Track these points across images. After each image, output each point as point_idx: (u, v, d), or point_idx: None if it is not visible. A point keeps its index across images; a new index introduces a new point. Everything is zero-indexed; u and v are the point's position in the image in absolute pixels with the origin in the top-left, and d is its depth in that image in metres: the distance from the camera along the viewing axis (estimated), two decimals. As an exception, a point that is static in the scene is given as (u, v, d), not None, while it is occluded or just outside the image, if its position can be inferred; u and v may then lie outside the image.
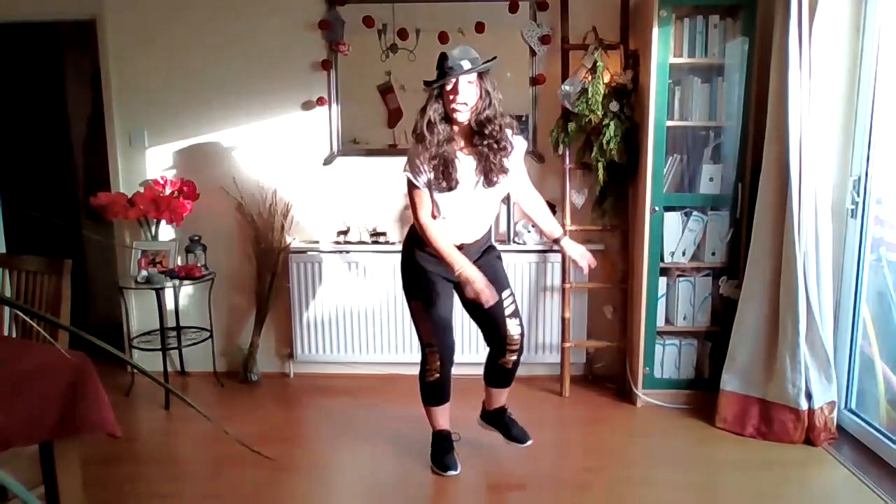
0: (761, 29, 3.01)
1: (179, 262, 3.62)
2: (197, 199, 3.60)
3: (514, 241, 3.57)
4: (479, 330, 2.73)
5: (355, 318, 3.62)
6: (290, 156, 3.67)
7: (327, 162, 3.67)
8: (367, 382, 3.65)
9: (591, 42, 3.32)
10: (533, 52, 3.50)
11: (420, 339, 2.64)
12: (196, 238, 3.62)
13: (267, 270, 3.65)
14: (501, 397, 2.81)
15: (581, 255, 2.65)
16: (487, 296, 2.36)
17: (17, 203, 4.05)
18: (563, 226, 3.42)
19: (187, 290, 3.69)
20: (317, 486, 2.71)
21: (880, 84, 2.79)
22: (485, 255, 2.62)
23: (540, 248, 3.54)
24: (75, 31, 3.99)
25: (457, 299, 2.62)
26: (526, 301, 3.57)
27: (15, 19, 3.65)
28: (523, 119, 3.57)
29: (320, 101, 3.58)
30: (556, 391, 3.50)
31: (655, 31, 3.02)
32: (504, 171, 2.45)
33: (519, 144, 2.53)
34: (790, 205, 2.76)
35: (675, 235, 3.23)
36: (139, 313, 3.78)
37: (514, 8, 3.42)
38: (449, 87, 2.34)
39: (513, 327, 2.60)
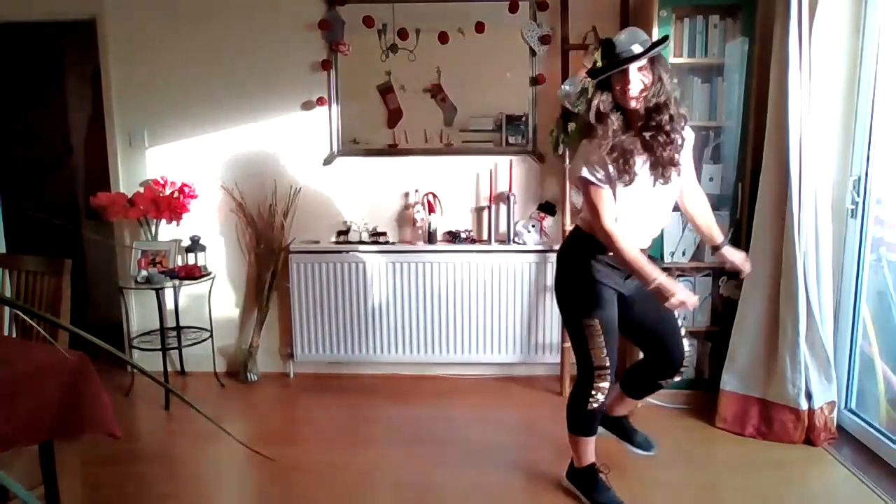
0: (761, 29, 3.01)
1: (179, 262, 3.62)
2: (197, 199, 3.60)
3: (514, 241, 3.57)
4: (640, 349, 2.55)
5: (355, 318, 3.62)
6: (290, 156, 3.67)
7: (327, 162, 3.67)
8: (367, 382, 3.65)
9: (591, 42, 3.32)
10: (533, 52, 3.50)
11: (588, 361, 2.32)
12: (196, 238, 3.62)
13: (267, 270, 3.65)
14: (631, 406, 2.69)
15: (743, 261, 2.40)
16: (694, 301, 2.12)
17: (17, 203, 4.05)
18: (564, 226, 3.43)
19: (187, 290, 3.69)
20: (317, 486, 2.71)
21: (880, 84, 2.79)
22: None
23: (540, 248, 3.54)
24: (75, 31, 3.99)
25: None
26: (526, 301, 3.57)
27: (15, 19, 3.65)
28: (523, 119, 3.58)
29: (320, 101, 3.58)
30: (556, 391, 3.50)
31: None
32: (675, 164, 2.18)
33: (689, 136, 2.26)
34: (790, 205, 2.76)
35: (675, 235, 3.23)
36: (139, 313, 3.78)
37: (514, 8, 3.42)
38: (619, 76, 2.10)
39: (686, 347, 2.44)
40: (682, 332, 2.43)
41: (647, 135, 2.14)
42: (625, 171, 2.13)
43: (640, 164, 2.17)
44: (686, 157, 2.28)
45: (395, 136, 3.62)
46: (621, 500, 2.43)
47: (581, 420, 2.40)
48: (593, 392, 2.32)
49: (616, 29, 3.35)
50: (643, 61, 2.09)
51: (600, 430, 2.52)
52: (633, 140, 2.15)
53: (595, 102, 2.16)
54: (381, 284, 3.59)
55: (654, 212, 2.29)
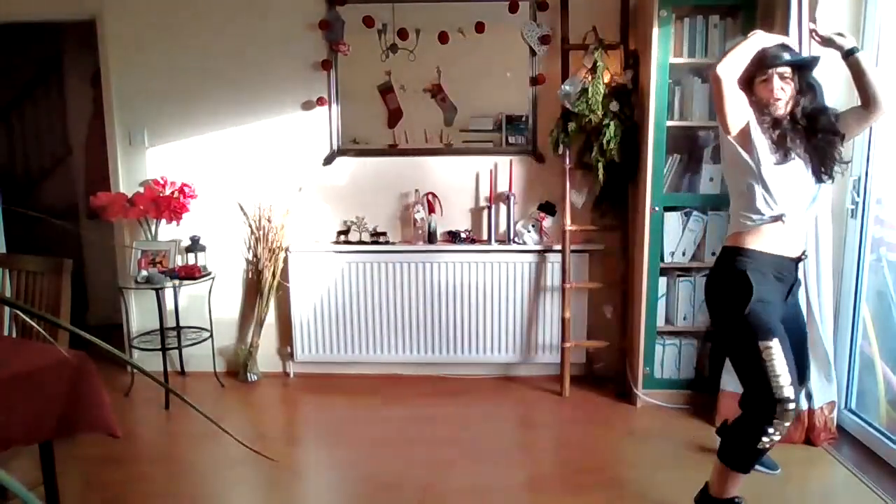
0: (761, 29, 3.00)
1: (179, 262, 3.62)
2: (197, 199, 3.60)
3: (514, 241, 3.57)
4: None
5: (355, 318, 3.62)
6: (291, 156, 3.67)
7: (327, 162, 3.67)
8: (367, 382, 3.65)
9: (591, 42, 3.32)
10: (533, 52, 3.50)
11: (768, 392, 2.05)
12: (196, 238, 3.62)
13: (267, 270, 3.65)
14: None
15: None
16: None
17: (17, 203, 4.05)
18: (563, 226, 3.43)
19: (187, 290, 3.69)
20: (317, 486, 2.71)
21: (880, 84, 2.78)
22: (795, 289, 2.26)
23: (540, 248, 3.54)
24: (75, 31, 3.99)
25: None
26: (525, 301, 3.57)
27: (15, 19, 3.65)
28: (523, 119, 3.58)
29: (320, 101, 3.58)
30: (556, 391, 3.50)
31: (655, 31, 3.02)
32: (843, 163, 2.22)
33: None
34: (790, 205, 2.76)
35: (675, 235, 3.23)
36: (139, 313, 3.78)
37: (514, 8, 3.42)
38: (763, 79, 2.15)
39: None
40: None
41: (812, 139, 2.18)
42: (779, 146, 2.14)
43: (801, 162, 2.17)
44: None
45: (395, 136, 3.62)
46: None
47: (746, 456, 2.16)
48: (771, 430, 2.06)
49: (616, 29, 3.37)
50: (787, 70, 2.15)
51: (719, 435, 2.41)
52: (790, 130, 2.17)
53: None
54: (381, 284, 3.59)
55: (808, 213, 2.26)
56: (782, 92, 2.16)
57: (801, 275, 2.37)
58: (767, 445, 2.10)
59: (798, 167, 2.16)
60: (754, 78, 2.19)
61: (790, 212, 2.15)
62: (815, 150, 2.18)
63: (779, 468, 2.63)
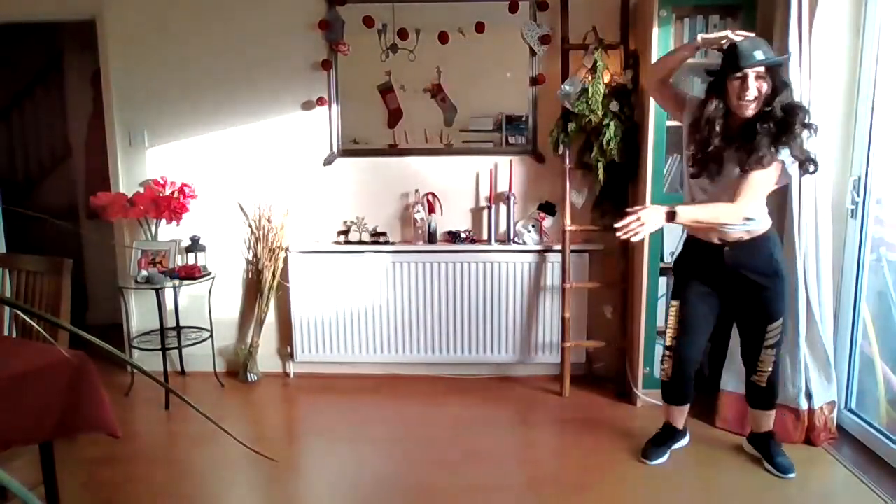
0: (761, 29, 3.00)
1: (179, 262, 3.62)
2: (197, 199, 3.60)
3: (514, 241, 3.57)
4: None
5: (355, 318, 3.62)
6: (291, 156, 3.67)
7: (327, 162, 3.67)
8: (367, 382, 3.65)
9: (591, 42, 3.32)
10: (533, 52, 3.50)
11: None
12: (196, 238, 3.62)
13: (267, 270, 3.65)
14: (759, 420, 2.71)
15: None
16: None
17: (17, 203, 4.05)
18: (563, 226, 3.43)
19: (187, 290, 3.69)
20: (317, 486, 2.71)
21: (880, 84, 2.79)
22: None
23: (540, 248, 3.54)
24: (75, 31, 4.00)
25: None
26: (525, 301, 3.57)
27: (15, 19, 3.65)
28: (523, 119, 3.58)
29: (320, 101, 3.58)
30: (556, 391, 3.50)
31: (655, 31, 3.02)
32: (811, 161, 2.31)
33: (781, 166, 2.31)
34: (790, 205, 2.76)
35: (676, 235, 3.22)
36: (139, 313, 3.78)
37: (514, 8, 3.42)
38: (738, 81, 2.22)
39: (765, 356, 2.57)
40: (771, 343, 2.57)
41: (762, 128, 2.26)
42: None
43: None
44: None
45: (395, 136, 3.62)
46: (658, 455, 2.76)
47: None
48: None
49: (616, 29, 3.36)
50: (761, 69, 2.21)
51: (747, 445, 2.82)
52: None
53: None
54: (381, 284, 3.59)
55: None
56: (756, 91, 2.22)
57: (764, 277, 2.47)
58: (661, 376, 2.74)
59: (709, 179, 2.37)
60: (725, 77, 2.25)
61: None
62: (758, 147, 2.25)
63: (791, 474, 2.63)
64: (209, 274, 3.61)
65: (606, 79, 3.24)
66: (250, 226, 3.70)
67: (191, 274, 3.50)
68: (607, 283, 3.52)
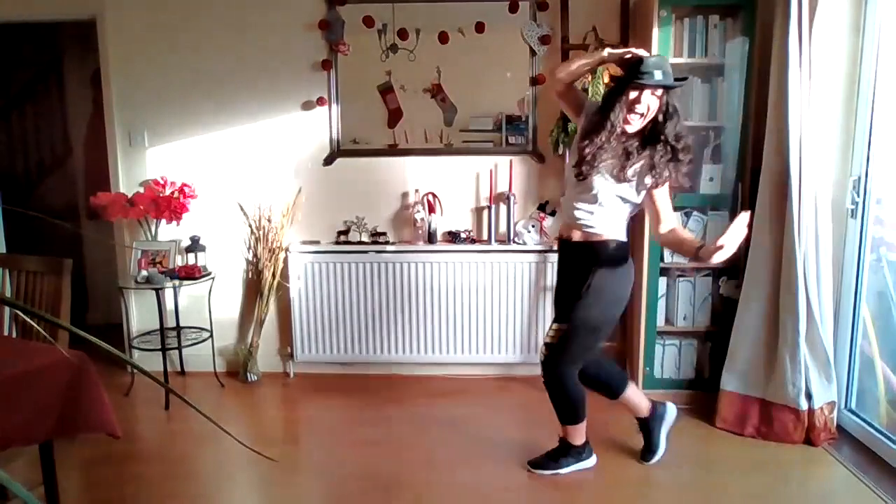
0: (761, 29, 3.01)
1: (179, 262, 3.62)
2: (197, 199, 3.60)
3: (514, 241, 3.57)
4: None
5: (355, 318, 3.62)
6: (291, 156, 3.67)
7: (327, 162, 3.67)
8: (367, 382, 3.65)
9: (591, 42, 3.32)
10: (533, 52, 3.50)
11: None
12: (196, 238, 3.62)
13: (267, 270, 3.65)
14: (629, 406, 2.75)
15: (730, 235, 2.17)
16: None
17: (17, 203, 4.05)
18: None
19: (187, 290, 3.69)
20: (317, 486, 2.71)
21: (880, 84, 2.79)
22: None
23: (540, 248, 3.54)
24: (75, 31, 3.99)
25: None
26: (526, 301, 3.57)
27: (15, 19, 3.65)
28: (523, 119, 3.58)
29: (320, 101, 3.58)
30: (556, 391, 3.49)
31: (655, 31, 3.02)
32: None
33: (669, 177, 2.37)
34: (790, 205, 2.76)
35: (675, 235, 3.23)
36: (139, 313, 3.78)
37: (514, 8, 3.42)
38: (633, 96, 2.28)
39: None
40: (548, 339, 2.56)
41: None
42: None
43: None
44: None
45: (395, 136, 3.62)
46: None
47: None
48: None
49: (616, 29, 3.36)
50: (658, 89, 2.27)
51: None
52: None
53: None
54: (381, 284, 3.58)
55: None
56: (646, 108, 2.28)
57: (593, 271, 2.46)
58: None
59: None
60: (624, 87, 2.29)
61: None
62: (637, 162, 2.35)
63: (648, 460, 2.73)
64: (209, 274, 3.61)
65: (606, 79, 3.23)
66: (250, 226, 3.70)
67: (191, 274, 3.50)
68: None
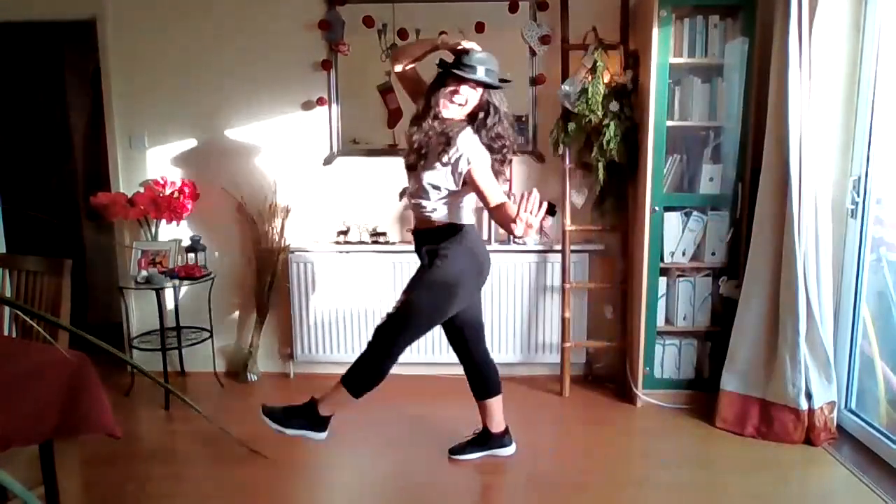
0: (761, 29, 3.01)
1: (179, 262, 3.62)
2: (197, 199, 3.60)
3: (515, 242, 3.57)
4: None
5: (355, 318, 3.62)
6: (290, 156, 3.67)
7: (327, 162, 3.67)
8: (367, 382, 3.64)
9: (591, 42, 3.32)
10: (533, 52, 3.50)
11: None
12: (196, 238, 3.62)
13: (267, 270, 3.65)
14: (488, 413, 2.78)
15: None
16: None
17: (17, 203, 4.05)
18: (564, 226, 3.43)
19: (187, 290, 3.69)
20: (317, 486, 2.71)
21: (880, 84, 2.79)
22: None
23: (540, 248, 3.54)
24: (75, 31, 3.99)
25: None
26: (526, 301, 3.57)
27: (15, 19, 3.65)
28: (523, 119, 3.57)
29: (320, 101, 3.58)
30: (556, 391, 3.50)
31: (655, 31, 3.02)
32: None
33: (461, 161, 2.37)
34: (790, 205, 2.76)
35: (675, 235, 3.23)
36: (139, 313, 3.78)
37: (514, 8, 3.42)
38: (452, 87, 2.38)
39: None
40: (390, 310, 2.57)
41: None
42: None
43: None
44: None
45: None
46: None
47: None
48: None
49: (616, 29, 3.36)
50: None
51: None
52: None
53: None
54: (381, 284, 3.58)
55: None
56: (465, 100, 2.38)
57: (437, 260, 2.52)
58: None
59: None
60: (449, 73, 2.38)
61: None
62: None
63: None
64: (209, 274, 3.61)
65: (606, 79, 3.24)
66: (250, 225, 3.70)
67: (191, 274, 3.50)
68: (607, 283, 3.52)
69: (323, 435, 2.63)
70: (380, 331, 2.55)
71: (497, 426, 2.76)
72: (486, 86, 2.39)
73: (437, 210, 2.48)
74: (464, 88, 2.37)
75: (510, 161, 2.54)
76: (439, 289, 2.50)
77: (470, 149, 2.37)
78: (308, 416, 2.61)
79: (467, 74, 2.34)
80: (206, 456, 2.89)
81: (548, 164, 3.59)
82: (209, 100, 3.63)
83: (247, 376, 3.69)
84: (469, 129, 2.41)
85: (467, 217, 2.54)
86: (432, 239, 2.51)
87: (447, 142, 2.38)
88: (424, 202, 2.49)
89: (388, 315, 2.54)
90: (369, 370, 2.59)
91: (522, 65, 3.52)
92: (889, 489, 2.49)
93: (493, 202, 2.32)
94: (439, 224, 2.50)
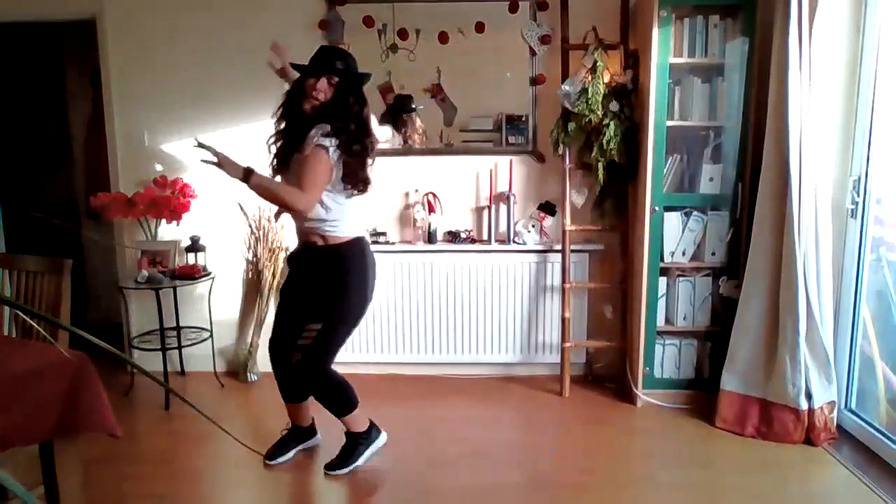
0: (761, 29, 3.01)
1: (179, 263, 3.62)
2: (197, 199, 3.60)
3: (514, 241, 3.57)
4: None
5: (355, 318, 3.62)
6: (290, 156, 3.66)
7: (327, 162, 3.66)
8: (367, 382, 3.64)
9: (591, 42, 3.32)
10: (533, 52, 3.50)
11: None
12: (196, 238, 3.62)
13: (267, 270, 3.65)
14: (349, 422, 2.75)
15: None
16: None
17: (17, 203, 4.05)
18: (563, 226, 3.43)
19: (187, 290, 3.68)
20: (316, 487, 2.71)
21: (880, 84, 2.79)
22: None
23: (540, 248, 3.54)
24: (75, 31, 3.99)
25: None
26: (526, 301, 3.58)
27: (15, 19, 3.65)
28: (523, 119, 3.58)
29: (320, 101, 3.58)
30: (556, 391, 3.50)
31: (655, 31, 3.02)
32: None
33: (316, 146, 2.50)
34: (790, 205, 2.76)
35: (675, 235, 3.23)
36: (139, 313, 3.77)
37: (514, 8, 3.42)
38: (311, 81, 2.51)
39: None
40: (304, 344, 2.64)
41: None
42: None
43: None
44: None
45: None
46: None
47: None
48: None
49: (616, 29, 3.36)
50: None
51: None
52: None
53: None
54: (381, 284, 3.58)
55: None
56: (321, 94, 2.51)
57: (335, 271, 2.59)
58: None
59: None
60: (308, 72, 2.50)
61: None
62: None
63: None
64: (209, 274, 3.61)
65: (606, 79, 3.24)
66: (250, 226, 3.70)
67: (191, 274, 3.50)
68: (607, 283, 3.52)
69: (381, 434, 2.80)
70: (309, 365, 2.61)
71: (307, 421, 2.88)
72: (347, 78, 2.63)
73: (333, 220, 2.62)
74: (321, 83, 2.54)
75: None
76: (364, 294, 2.68)
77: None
78: (356, 441, 2.72)
79: (323, 69, 2.57)
80: (205, 456, 2.89)
81: (548, 164, 3.59)
82: (209, 99, 3.63)
83: (247, 376, 3.69)
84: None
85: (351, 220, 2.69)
86: (337, 261, 2.61)
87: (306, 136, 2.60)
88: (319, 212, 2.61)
89: (309, 346, 2.61)
90: (336, 396, 2.69)
91: (522, 65, 3.52)
92: (889, 489, 2.49)
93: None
94: (341, 242, 2.63)
